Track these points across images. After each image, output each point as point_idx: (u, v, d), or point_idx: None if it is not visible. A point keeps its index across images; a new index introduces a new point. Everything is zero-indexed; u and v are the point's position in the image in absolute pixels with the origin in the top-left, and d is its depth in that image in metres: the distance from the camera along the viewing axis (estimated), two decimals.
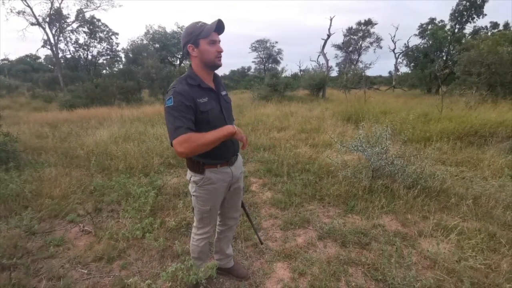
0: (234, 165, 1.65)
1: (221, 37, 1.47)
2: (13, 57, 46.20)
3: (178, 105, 1.33)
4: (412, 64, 23.79)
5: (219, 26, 1.40)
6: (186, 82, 1.41)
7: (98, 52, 27.02)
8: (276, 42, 43.19)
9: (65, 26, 23.80)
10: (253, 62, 40.64)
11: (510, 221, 2.59)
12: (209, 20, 1.45)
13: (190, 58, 1.47)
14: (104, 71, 27.03)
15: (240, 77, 36.67)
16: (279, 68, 34.95)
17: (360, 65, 31.58)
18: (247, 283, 1.98)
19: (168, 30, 25.29)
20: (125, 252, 2.30)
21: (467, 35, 20.84)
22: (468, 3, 19.79)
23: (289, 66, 46.17)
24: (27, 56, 39.73)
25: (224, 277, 2.03)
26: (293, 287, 1.93)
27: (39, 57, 38.21)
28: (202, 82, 1.45)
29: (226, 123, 1.48)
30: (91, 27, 25.21)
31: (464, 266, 2.00)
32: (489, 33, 19.24)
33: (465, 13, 20.28)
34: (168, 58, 25.41)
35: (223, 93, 1.59)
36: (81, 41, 25.88)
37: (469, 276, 1.91)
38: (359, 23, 31.76)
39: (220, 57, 1.44)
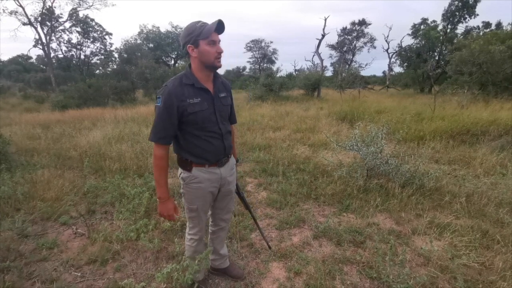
0: (224, 166, 1.63)
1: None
2: (4, 57, 45.60)
3: (164, 108, 1.39)
4: (405, 64, 24.02)
5: (219, 27, 1.37)
6: (180, 82, 1.42)
7: (92, 52, 26.80)
8: (271, 42, 43.32)
9: (57, 25, 23.52)
10: (248, 62, 40.56)
11: (502, 218, 2.63)
12: (207, 19, 1.44)
13: (190, 58, 1.45)
14: (98, 71, 26.77)
15: (235, 77, 36.56)
16: (274, 68, 34.85)
17: (355, 65, 31.86)
18: (243, 283, 1.98)
19: (162, 29, 25.17)
20: (119, 254, 2.28)
21: (459, 35, 21.11)
22: (460, 4, 20.02)
23: (284, 66, 46.23)
24: (18, 56, 39.18)
25: (220, 278, 2.02)
26: (288, 286, 1.94)
27: (30, 57, 37.73)
28: (197, 82, 1.44)
29: (218, 126, 1.52)
30: (84, 27, 24.96)
31: (457, 264, 2.02)
32: (481, 33, 19.50)
33: (457, 13, 20.52)
34: (163, 58, 25.29)
35: (222, 95, 1.55)
36: (74, 40, 25.66)
37: (462, 273, 1.93)
38: (353, 23, 31.93)
39: (220, 58, 1.42)
